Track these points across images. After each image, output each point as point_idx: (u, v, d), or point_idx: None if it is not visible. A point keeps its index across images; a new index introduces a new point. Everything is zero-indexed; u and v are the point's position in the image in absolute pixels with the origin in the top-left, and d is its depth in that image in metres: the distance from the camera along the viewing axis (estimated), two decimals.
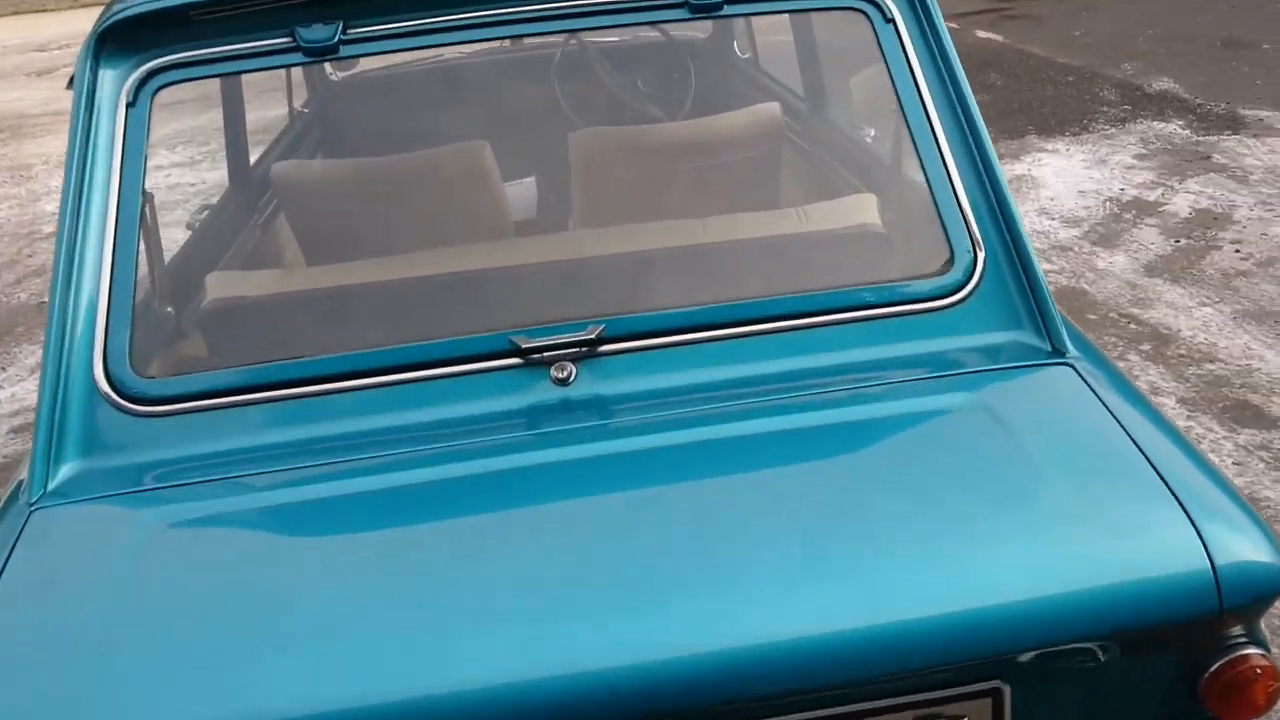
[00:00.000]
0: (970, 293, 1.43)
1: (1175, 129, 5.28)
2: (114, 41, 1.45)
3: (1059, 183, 4.75)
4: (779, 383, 1.38)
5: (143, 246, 1.48)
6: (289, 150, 2.80)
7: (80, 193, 1.40)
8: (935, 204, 1.46)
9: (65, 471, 1.31)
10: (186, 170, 5.95)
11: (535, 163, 2.79)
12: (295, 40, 1.46)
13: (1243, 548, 1.10)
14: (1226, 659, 1.11)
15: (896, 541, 1.14)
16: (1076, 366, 1.36)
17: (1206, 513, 1.12)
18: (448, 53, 3.25)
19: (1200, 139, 5.11)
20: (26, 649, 1.09)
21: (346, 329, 1.54)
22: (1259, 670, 1.11)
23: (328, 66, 3.10)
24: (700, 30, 3.30)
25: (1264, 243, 3.92)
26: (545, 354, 1.37)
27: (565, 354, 1.37)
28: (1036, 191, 4.68)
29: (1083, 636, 1.09)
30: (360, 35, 1.48)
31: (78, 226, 1.39)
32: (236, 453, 1.33)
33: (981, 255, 1.44)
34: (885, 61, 1.52)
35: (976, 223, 1.44)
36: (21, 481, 1.35)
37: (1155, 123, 5.39)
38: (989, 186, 1.46)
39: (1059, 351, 1.38)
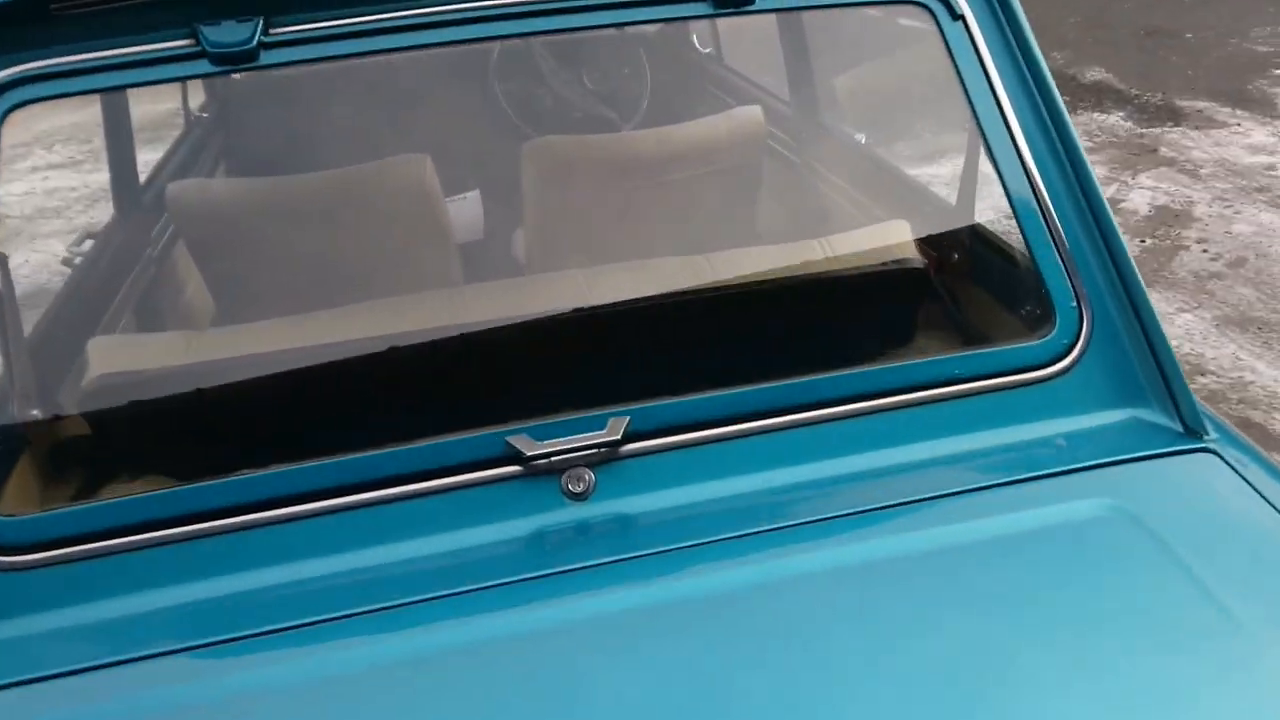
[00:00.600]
0: (1077, 359, 1.15)
1: (1117, 121, 5.17)
2: None
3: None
4: (850, 485, 1.08)
5: None
6: (186, 165, 2.38)
7: None
8: (1028, 245, 1.18)
9: None
10: (67, 172, 5.35)
11: (478, 174, 2.43)
12: (199, 42, 1.09)
13: None
14: None
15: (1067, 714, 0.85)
16: (1221, 453, 1.09)
17: None
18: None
19: (1144, 131, 5.00)
20: None
21: (280, 418, 1.19)
22: None
23: None
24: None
25: (1230, 241, 3.78)
26: (554, 459, 1.04)
27: (581, 458, 1.04)
28: (989, 188, 4.48)
29: None
30: (286, 37, 1.11)
31: None
32: (139, 620, 0.97)
33: (1089, 312, 1.15)
34: (955, 67, 1.22)
35: (1081, 270, 1.16)
36: None
37: (1096, 114, 5.27)
38: (1094, 223, 1.17)
39: (1194, 433, 1.11)
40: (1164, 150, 4.73)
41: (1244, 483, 1.05)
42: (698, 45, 2.85)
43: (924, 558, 1.00)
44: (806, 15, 2.20)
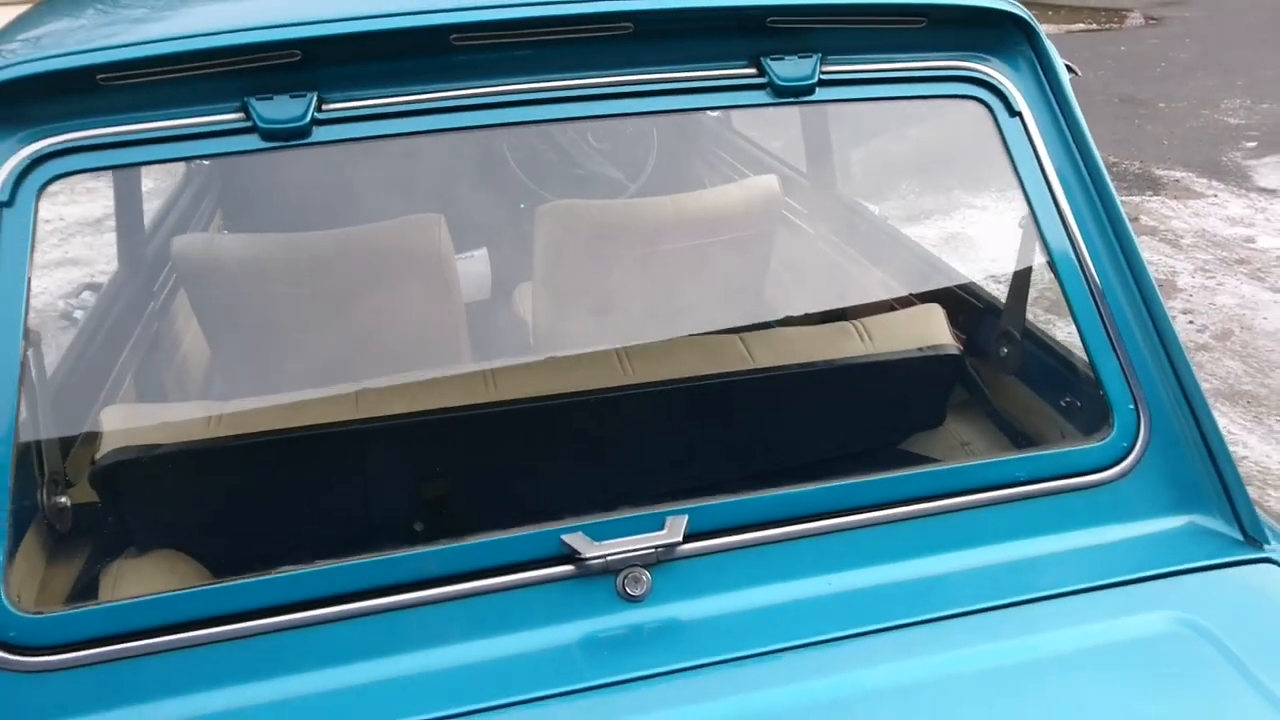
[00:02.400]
0: (1135, 463, 1.13)
1: None
2: None
3: (995, 242, 4.62)
4: (909, 592, 1.05)
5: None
6: (186, 215, 2.32)
7: None
8: (1085, 344, 1.16)
9: None
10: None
11: (485, 233, 2.40)
12: (249, 117, 1.05)
13: None
14: None
15: None
16: None
17: None
18: None
19: (1124, 199, 5.08)
20: None
21: (317, 507, 1.14)
22: None
23: None
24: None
25: (1215, 313, 3.84)
26: (610, 560, 1.00)
27: (639, 558, 1.01)
28: (975, 250, 4.54)
29: None
30: (339, 114, 1.08)
31: None
32: None
33: (1147, 414, 1.14)
34: (1012, 163, 1.21)
35: (1139, 371, 1.15)
36: None
37: None
38: (1151, 324, 1.16)
39: (1255, 542, 1.10)
40: (1144, 219, 4.81)
41: None
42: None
43: (989, 674, 0.97)
44: None
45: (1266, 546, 1.09)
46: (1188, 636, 1.00)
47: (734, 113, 2.76)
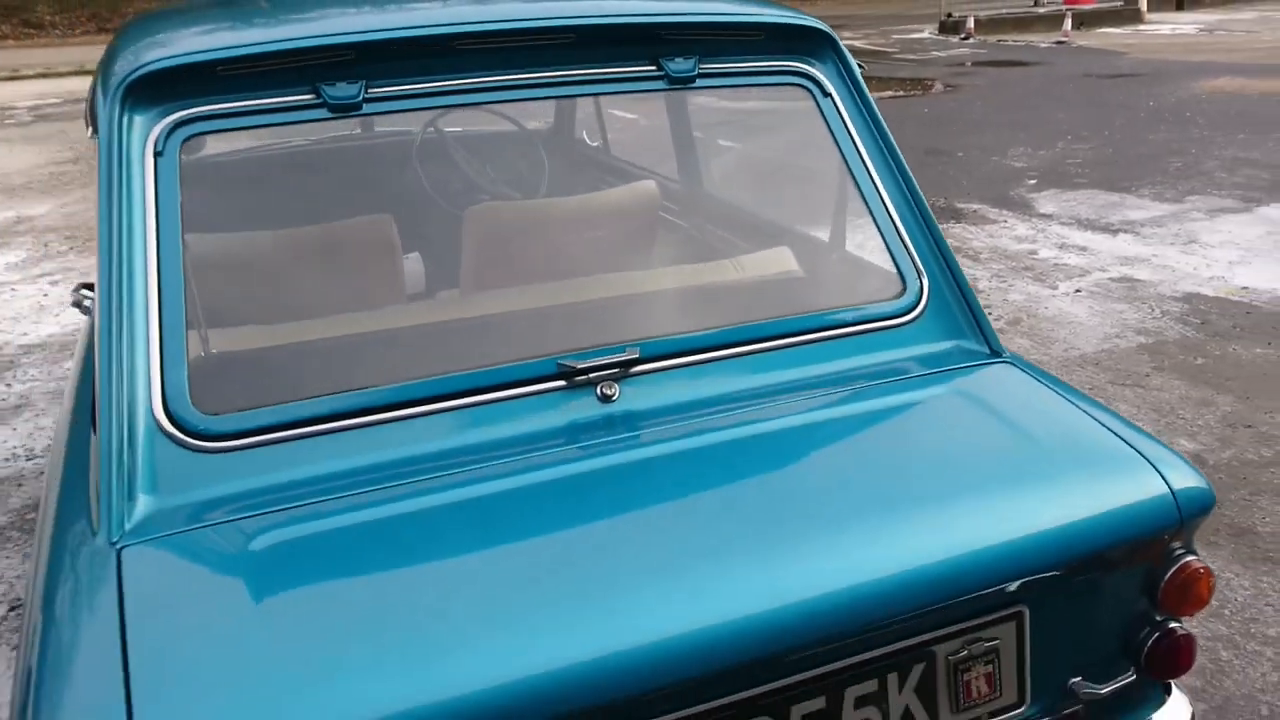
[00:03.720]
0: (921, 312, 1.72)
1: None
2: (141, 93, 1.46)
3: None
4: (781, 392, 1.59)
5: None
6: None
7: (118, 239, 1.39)
8: (886, 244, 1.76)
9: (140, 511, 1.28)
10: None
11: (417, 240, 2.88)
12: (320, 97, 1.53)
13: (1187, 478, 1.43)
14: (1177, 565, 1.42)
15: (932, 503, 1.37)
16: (1015, 363, 1.68)
17: (1156, 457, 1.44)
18: (305, 138, 3.28)
19: None
20: (203, 669, 1.07)
21: (406, 362, 1.58)
22: (1200, 570, 1.43)
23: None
24: (543, 121, 3.55)
25: (1008, 307, 4.65)
26: (591, 375, 1.51)
27: (608, 375, 1.52)
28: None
29: (1086, 554, 1.36)
30: (380, 95, 1.58)
31: (120, 273, 1.38)
32: (305, 482, 1.35)
33: (925, 281, 1.74)
34: (829, 129, 1.81)
35: (919, 256, 1.75)
36: (70, 525, 1.30)
37: None
38: (925, 226, 1.77)
39: (996, 353, 1.70)
40: (951, 241, 5.67)
41: (1032, 379, 1.64)
42: (587, 139, 3.44)
43: (841, 421, 1.53)
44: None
45: (1004, 355, 1.70)
46: (956, 397, 1.59)
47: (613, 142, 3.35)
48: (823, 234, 2.16)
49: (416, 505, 1.35)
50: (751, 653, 1.18)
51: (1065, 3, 18.48)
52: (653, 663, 1.13)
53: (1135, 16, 21.10)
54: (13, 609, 2.74)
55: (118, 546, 1.23)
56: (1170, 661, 1.46)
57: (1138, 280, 4.91)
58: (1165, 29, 18.99)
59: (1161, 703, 1.54)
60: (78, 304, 2.34)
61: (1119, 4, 21.58)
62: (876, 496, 1.38)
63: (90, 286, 2.47)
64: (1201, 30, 18.36)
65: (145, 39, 1.61)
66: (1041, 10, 20.98)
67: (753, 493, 1.39)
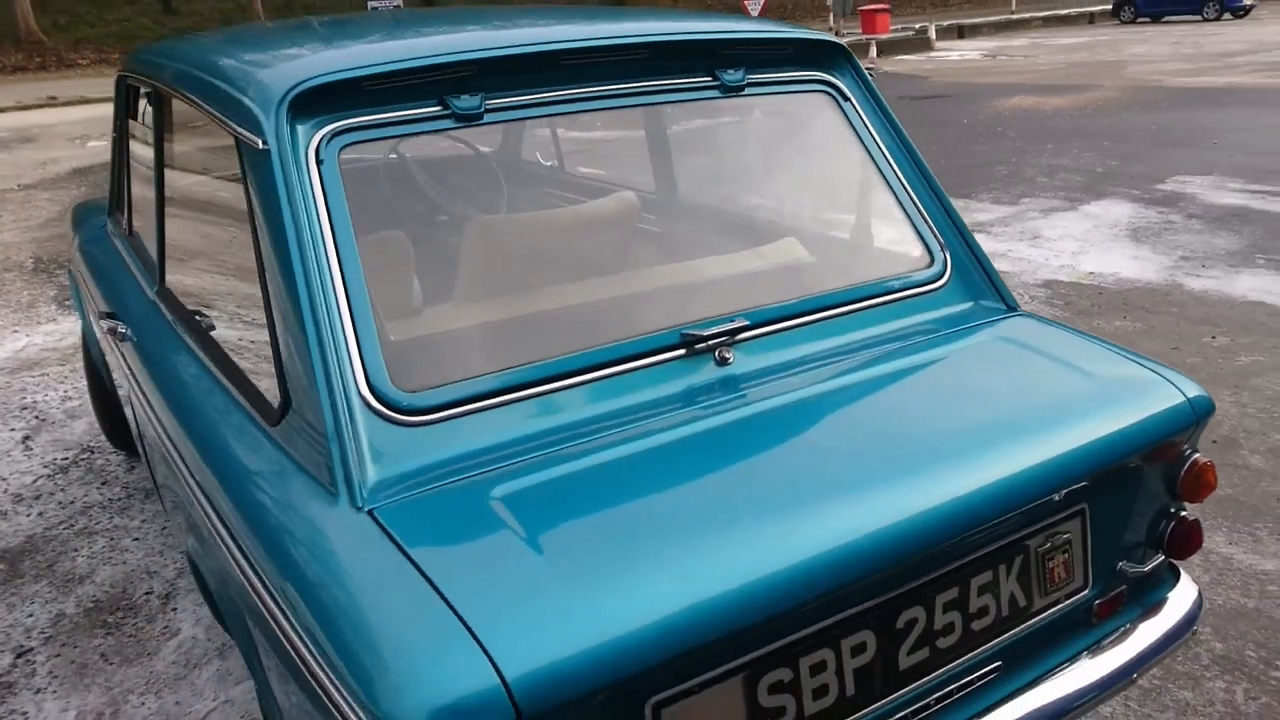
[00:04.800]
0: (947, 280, 2.04)
1: None
2: (303, 106, 1.59)
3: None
4: (853, 350, 1.87)
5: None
6: None
7: (298, 240, 1.52)
8: (911, 223, 2.07)
9: (371, 479, 1.41)
10: None
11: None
12: (448, 108, 1.71)
13: (1195, 389, 1.79)
14: (1189, 461, 1.79)
15: (1011, 427, 1.67)
16: (1031, 316, 2.02)
17: (1169, 375, 1.81)
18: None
19: None
20: (515, 592, 1.24)
21: (563, 339, 1.75)
22: (1206, 463, 1.80)
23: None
24: (489, 145, 3.72)
25: None
26: (710, 342, 1.74)
27: (722, 341, 1.75)
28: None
29: (1130, 455, 1.69)
30: (496, 105, 1.76)
31: (306, 271, 1.51)
32: (495, 447, 1.52)
33: (947, 253, 2.06)
34: (853, 130, 2.11)
35: (942, 231, 2.07)
36: (280, 507, 1.45)
37: None
38: (942, 206, 2.10)
39: (1012, 308, 2.04)
40: None
41: (1048, 326, 1.99)
42: (541, 160, 3.64)
43: (899, 373, 1.81)
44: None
45: (1019, 309, 2.04)
46: (990, 344, 1.91)
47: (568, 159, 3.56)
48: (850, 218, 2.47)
49: (603, 458, 1.53)
50: (916, 546, 1.44)
51: (864, 31, 19.88)
52: (858, 557, 1.38)
53: (926, 44, 22.98)
54: (19, 656, 2.67)
55: (365, 509, 1.37)
56: (1187, 542, 1.82)
57: (1003, 271, 5.50)
58: (954, 55, 20.77)
59: (1176, 582, 1.91)
60: (112, 331, 2.36)
61: (910, 33, 23.45)
62: (965, 427, 1.67)
63: (110, 315, 2.49)
64: (985, 55, 20.20)
65: (277, 54, 1.75)
66: (844, 41, 22.50)
67: (867, 431, 1.66)
